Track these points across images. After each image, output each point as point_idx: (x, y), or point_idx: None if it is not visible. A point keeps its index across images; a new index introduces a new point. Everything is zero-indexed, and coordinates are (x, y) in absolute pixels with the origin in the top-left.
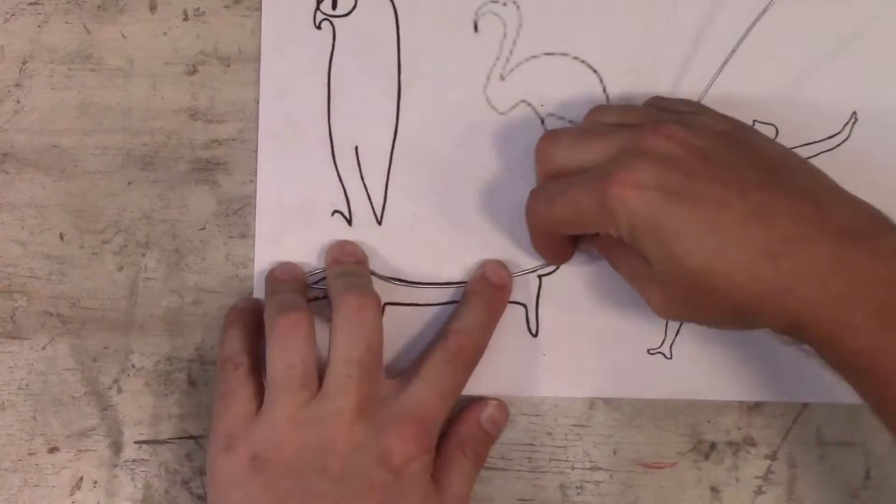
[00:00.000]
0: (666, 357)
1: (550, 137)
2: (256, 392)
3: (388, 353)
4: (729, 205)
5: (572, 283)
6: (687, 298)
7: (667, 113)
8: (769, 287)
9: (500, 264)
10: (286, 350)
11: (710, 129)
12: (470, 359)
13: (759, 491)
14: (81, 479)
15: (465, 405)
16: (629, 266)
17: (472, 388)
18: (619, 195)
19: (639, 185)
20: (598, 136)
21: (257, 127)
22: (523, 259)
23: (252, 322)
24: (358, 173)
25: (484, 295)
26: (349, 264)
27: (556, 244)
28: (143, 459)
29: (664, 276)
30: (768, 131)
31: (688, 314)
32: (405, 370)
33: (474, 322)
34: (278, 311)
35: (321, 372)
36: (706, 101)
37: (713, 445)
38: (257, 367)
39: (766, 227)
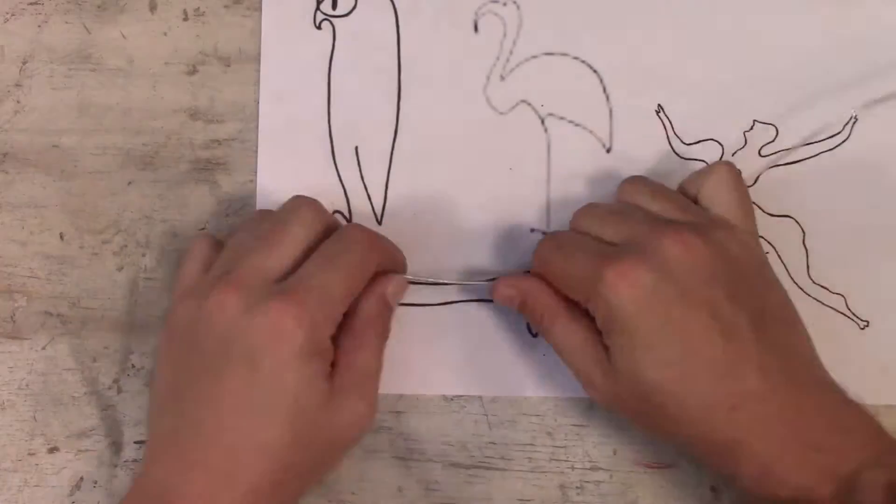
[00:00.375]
0: None
1: (589, 208)
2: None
3: (387, 353)
4: (710, 343)
5: None
6: (633, 402)
7: (691, 212)
8: (719, 434)
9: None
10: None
11: (727, 251)
12: (361, 236)
13: None
14: (81, 479)
15: (366, 285)
16: (579, 341)
17: (473, 387)
18: (613, 283)
19: (634, 283)
20: (624, 220)
21: (257, 127)
22: (523, 259)
23: None
24: (358, 173)
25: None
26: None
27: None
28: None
29: (617, 373)
30: (768, 131)
31: (626, 413)
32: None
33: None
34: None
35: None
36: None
37: None
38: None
39: (736, 376)
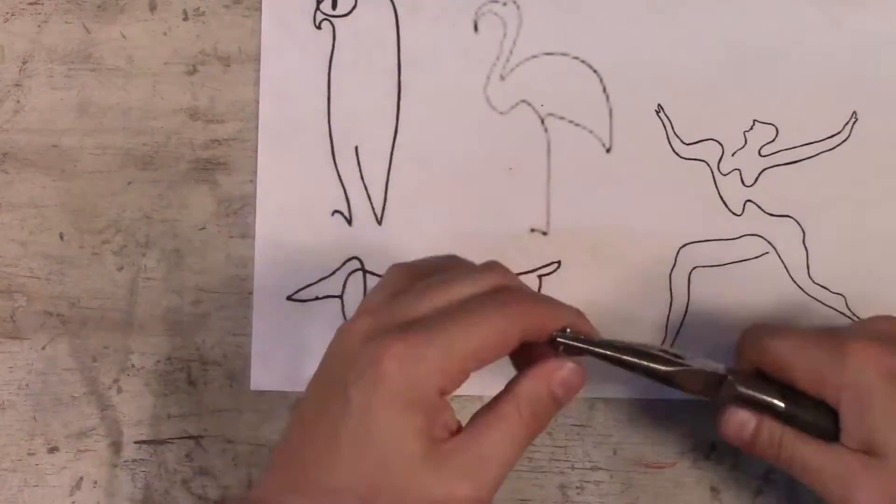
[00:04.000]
0: None
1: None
2: None
3: None
4: None
5: (572, 282)
6: None
7: None
8: None
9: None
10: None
11: None
12: (511, 298)
13: (758, 491)
14: (81, 479)
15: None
16: (831, 461)
17: (473, 388)
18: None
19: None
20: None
21: (257, 127)
22: (522, 259)
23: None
24: (358, 173)
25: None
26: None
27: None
28: (143, 459)
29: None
30: (768, 131)
31: None
32: None
33: None
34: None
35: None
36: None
37: (713, 445)
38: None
39: None
